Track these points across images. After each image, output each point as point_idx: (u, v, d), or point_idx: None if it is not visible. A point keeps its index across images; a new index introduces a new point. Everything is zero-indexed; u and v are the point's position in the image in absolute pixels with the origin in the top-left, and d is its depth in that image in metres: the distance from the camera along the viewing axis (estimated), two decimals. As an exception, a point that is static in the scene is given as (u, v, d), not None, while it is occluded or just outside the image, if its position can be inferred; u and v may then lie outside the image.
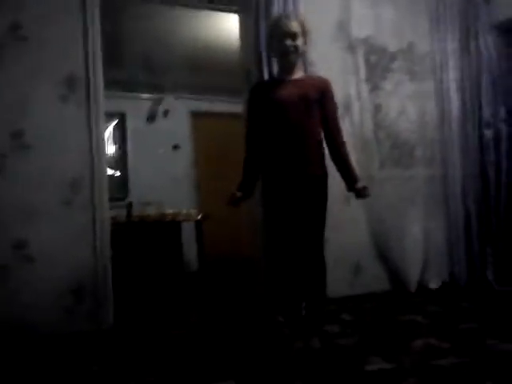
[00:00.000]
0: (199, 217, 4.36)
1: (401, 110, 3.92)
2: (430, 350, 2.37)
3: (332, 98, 2.45)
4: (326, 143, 2.45)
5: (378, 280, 3.74)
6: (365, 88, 3.79)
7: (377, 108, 3.86)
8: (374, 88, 3.86)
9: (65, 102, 3.03)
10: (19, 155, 2.90)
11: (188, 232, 4.78)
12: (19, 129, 2.91)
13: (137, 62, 5.40)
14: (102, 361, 2.47)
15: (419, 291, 3.70)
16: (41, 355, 2.59)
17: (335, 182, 3.54)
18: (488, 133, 3.89)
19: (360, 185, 2.37)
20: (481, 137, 3.95)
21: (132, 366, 2.37)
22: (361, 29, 3.79)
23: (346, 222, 3.66)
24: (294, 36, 2.34)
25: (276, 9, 3.34)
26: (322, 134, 2.44)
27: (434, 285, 3.83)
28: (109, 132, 5.80)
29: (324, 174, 2.43)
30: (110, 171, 5.32)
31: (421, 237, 3.83)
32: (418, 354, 2.33)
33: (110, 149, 5.82)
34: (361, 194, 2.36)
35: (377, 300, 3.52)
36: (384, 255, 3.77)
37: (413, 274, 3.73)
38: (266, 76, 3.29)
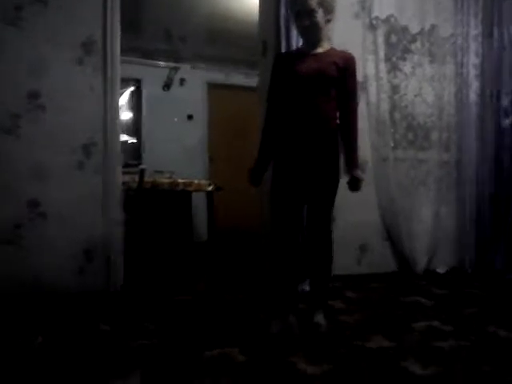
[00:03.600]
0: (211, 188, 4.39)
1: (418, 92, 3.87)
2: (432, 331, 2.40)
3: (353, 75, 2.34)
4: (339, 123, 2.37)
5: (384, 260, 3.77)
6: (383, 68, 3.74)
7: (394, 89, 3.82)
8: (393, 68, 3.81)
9: (81, 65, 3.03)
10: (34, 116, 2.92)
11: (200, 202, 4.82)
12: (35, 90, 2.92)
13: (155, 30, 5.36)
14: (110, 320, 2.53)
15: (426, 274, 3.72)
16: (51, 313, 2.65)
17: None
18: (506, 121, 3.85)
19: (356, 174, 2.31)
20: (498, 124, 3.90)
21: (138, 327, 2.43)
22: (383, 8, 3.72)
23: (355, 201, 3.65)
24: (310, 13, 2.23)
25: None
26: (338, 119, 2.36)
27: (441, 269, 3.84)
28: (125, 98, 5.80)
29: (336, 158, 2.34)
30: (124, 137, 5.35)
31: (431, 220, 3.83)
32: (420, 334, 2.36)
33: (126, 115, 5.84)
34: (352, 183, 2.31)
35: (382, 280, 3.55)
36: (392, 236, 3.78)
37: (420, 257, 3.75)
38: (283, 49, 3.26)
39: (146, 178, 4.09)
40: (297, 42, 3.26)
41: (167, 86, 6.01)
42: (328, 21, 2.33)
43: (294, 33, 3.25)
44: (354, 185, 2.32)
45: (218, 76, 6.06)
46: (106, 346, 2.15)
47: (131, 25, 4.17)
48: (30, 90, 2.92)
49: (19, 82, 2.90)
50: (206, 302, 2.98)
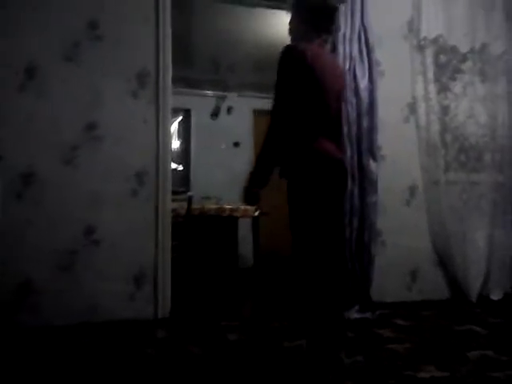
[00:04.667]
0: (256, 213, 4.42)
1: (470, 112, 3.78)
2: (487, 361, 2.28)
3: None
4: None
5: (436, 287, 3.64)
6: (433, 89, 3.68)
7: (444, 110, 3.75)
8: (443, 89, 3.74)
9: (135, 98, 3.17)
10: (91, 147, 3.08)
11: (245, 228, 4.86)
12: (92, 122, 3.08)
13: (203, 61, 5.55)
14: (157, 346, 2.58)
15: (480, 301, 3.56)
16: (101, 340, 2.74)
17: (394, 181, 3.53)
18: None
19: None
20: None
21: (184, 352, 2.46)
22: (431, 28, 3.68)
23: (405, 225, 3.59)
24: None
25: (343, 8, 3.32)
26: None
27: (495, 296, 3.66)
28: (174, 127, 6.00)
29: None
30: (173, 165, 5.52)
31: (484, 245, 3.68)
32: (474, 364, 2.25)
33: (175, 143, 6.03)
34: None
35: (434, 307, 3.42)
36: (444, 261, 3.66)
37: (474, 283, 3.59)
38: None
39: (194, 205, 4.18)
40: (344, 68, 3.29)
41: (215, 114, 6.17)
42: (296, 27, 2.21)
43: (341, 59, 3.29)
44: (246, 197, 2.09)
45: (264, 102, 6.15)
46: (151, 370, 2.19)
47: (181, 56, 4.33)
48: (87, 122, 3.07)
49: (78, 114, 3.06)
50: (252, 327, 2.98)
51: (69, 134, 3.03)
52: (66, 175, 3.01)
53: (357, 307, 3.24)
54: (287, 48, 2.03)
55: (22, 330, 2.78)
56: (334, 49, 3.30)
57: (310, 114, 2.02)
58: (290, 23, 2.19)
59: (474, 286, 3.60)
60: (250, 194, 2.06)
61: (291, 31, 2.20)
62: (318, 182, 1.99)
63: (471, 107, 3.78)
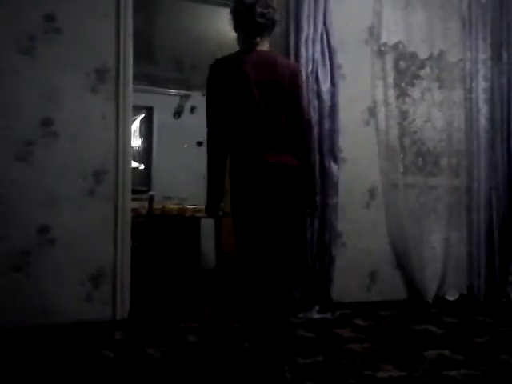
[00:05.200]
0: (220, 213, 4.38)
1: (428, 117, 3.88)
2: (443, 360, 2.34)
3: None
4: None
5: (395, 288, 3.72)
6: (392, 94, 3.76)
7: (403, 115, 3.83)
8: (402, 94, 3.83)
9: (94, 93, 3.08)
10: (47, 143, 2.97)
11: (208, 228, 4.81)
12: (49, 117, 2.97)
13: (166, 59, 5.47)
14: (115, 348, 2.52)
15: (436, 302, 3.66)
16: (56, 342, 2.64)
17: (355, 184, 3.58)
18: (517, 146, 3.84)
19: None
20: (509, 149, 3.88)
21: (142, 354, 2.41)
22: (391, 34, 3.76)
23: (365, 227, 3.65)
24: None
25: (306, 12, 3.34)
26: None
27: (451, 297, 3.78)
28: (136, 125, 5.89)
29: None
30: (134, 164, 5.41)
31: (441, 247, 3.79)
32: (431, 363, 2.31)
33: (136, 142, 5.91)
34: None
35: (393, 308, 3.50)
36: (402, 263, 3.74)
37: (430, 284, 3.69)
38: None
39: (156, 205, 4.11)
40: (306, 71, 3.31)
41: (178, 113, 6.09)
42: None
43: (304, 62, 3.31)
44: None
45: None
46: (109, 373, 2.13)
47: (143, 53, 4.26)
48: (43, 118, 2.96)
49: (33, 109, 2.95)
50: (212, 329, 2.95)
51: (23, 130, 2.92)
52: (20, 172, 2.89)
53: (317, 307, 3.26)
54: (216, 61, 2.11)
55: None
56: (297, 50, 3.32)
57: (233, 119, 2.06)
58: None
59: (431, 287, 3.69)
60: (211, 210, 2.18)
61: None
62: (239, 185, 2.06)
63: (429, 112, 3.88)
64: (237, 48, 2.21)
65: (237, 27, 2.14)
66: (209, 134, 2.13)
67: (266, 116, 2.02)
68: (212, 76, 2.11)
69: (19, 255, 2.85)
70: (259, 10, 2.03)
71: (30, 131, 2.93)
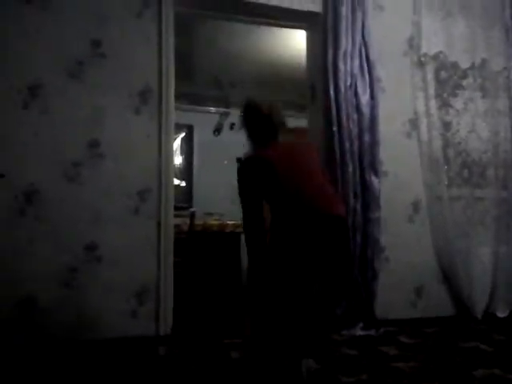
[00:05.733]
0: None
1: (472, 128, 3.78)
2: (493, 379, 2.24)
3: None
4: None
5: (441, 304, 3.60)
6: (434, 105, 3.69)
7: (446, 126, 3.75)
8: (444, 105, 3.75)
9: (138, 114, 3.18)
10: (94, 164, 3.07)
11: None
12: (95, 139, 3.09)
13: (205, 77, 5.59)
14: (159, 364, 2.55)
15: (485, 318, 3.51)
16: (105, 355, 2.71)
17: (397, 197, 3.52)
18: None
19: None
20: (558, 158, 3.73)
21: (185, 374, 2.43)
22: (431, 45, 3.70)
23: (408, 241, 3.57)
24: None
25: (344, 25, 3.35)
26: None
27: (501, 313, 3.62)
28: (177, 144, 6.02)
29: None
30: (176, 181, 5.52)
31: (489, 261, 3.65)
32: (480, 383, 2.21)
33: (178, 159, 6.04)
34: None
35: (439, 324, 3.39)
36: (449, 277, 3.62)
37: (479, 300, 3.55)
38: (331, 92, 3.30)
39: (197, 221, 4.17)
40: (345, 84, 3.31)
41: (218, 130, 6.19)
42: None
43: (342, 76, 3.31)
44: None
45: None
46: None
47: (183, 73, 4.37)
48: (90, 139, 3.08)
49: (81, 131, 3.07)
50: (254, 345, 2.94)
51: (71, 151, 3.04)
52: (69, 192, 3.01)
53: (361, 324, 3.21)
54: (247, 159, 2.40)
55: (24, 346, 2.75)
56: (335, 65, 3.33)
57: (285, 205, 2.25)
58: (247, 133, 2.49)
59: (480, 303, 3.56)
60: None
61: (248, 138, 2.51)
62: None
63: (473, 123, 3.78)
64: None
65: (252, 133, 2.47)
66: (247, 217, 2.30)
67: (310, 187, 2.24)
68: (247, 172, 2.38)
69: (69, 271, 2.96)
70: (275, 118, 2.39)
71: (78, 153, 3.04)
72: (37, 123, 2.98)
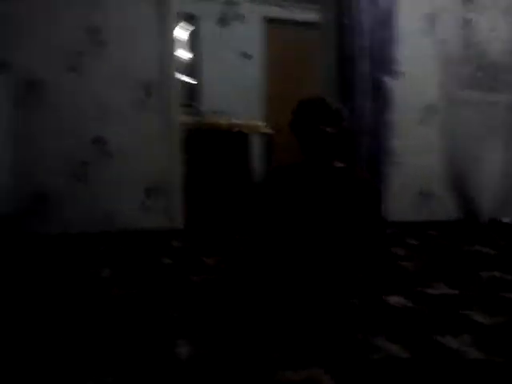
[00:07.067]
0: (266, 129, 4.35)
1: (493, 26, 3.54)
2: (497, 281, 2.32)
3: None
4: None
5: (446, 208, 3.62)
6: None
7: (466, 23, 3.51)
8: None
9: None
10: (95, 52, 2.93)
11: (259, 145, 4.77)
12: (96, 25, 2.91)
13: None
14: (173, 256, 2.64)
15: (490, 224, 3.57)
16: (118, 248, 2.78)
17: (407, 95, 3.37)
18: None
19: None
20: None
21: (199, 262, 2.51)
22: None
23: (419, 144, 3.51)
24: None
25: None
26: None
27: (507, 219, 3.67)
28: (183, 36, 5.68)
29: None
30: (184, 78, 5.29)
31: (498, 167, 3.62)
32: (483, 284, 2.29)
33: (186, 54, 5.72)
34: None
35: (444, 228, 3.44)
36: (457, 182, 3.62)
37: (486, 206, 3.59)
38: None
39: (204, 120, 4.08)
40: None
41: (224, 21, 5.81)
42: None
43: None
44: None
45: (277, 10, 5.78)
46: (168, 279, 2.24)
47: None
48: (90, 25, 2.92)
49: (80, 16, 2.90)
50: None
51: (72, 40, 2.90)
52: (70, 82, 2.91)
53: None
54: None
55: (38, 237, 2.81)
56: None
57: None
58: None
59: (486, 209, 3.60)
60: None
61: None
62: None
63: (495, 20, 3.54)
64: None
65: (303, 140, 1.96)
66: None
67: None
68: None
69: (80, 165, 2.95)
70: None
71: (78, 41, 2.90)
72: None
